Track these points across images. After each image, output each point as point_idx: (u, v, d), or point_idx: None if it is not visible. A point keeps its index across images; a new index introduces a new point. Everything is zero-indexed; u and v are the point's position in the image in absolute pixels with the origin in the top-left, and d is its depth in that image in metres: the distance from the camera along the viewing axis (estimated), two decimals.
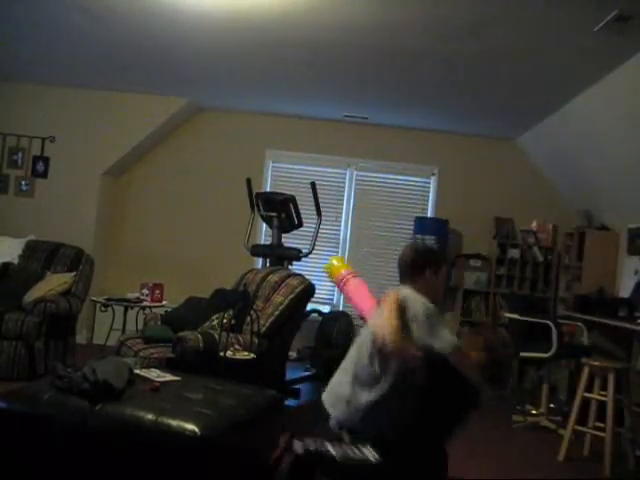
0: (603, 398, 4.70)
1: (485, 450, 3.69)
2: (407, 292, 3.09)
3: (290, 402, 5.48)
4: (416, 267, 3.31)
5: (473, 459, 3.62)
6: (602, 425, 4.70)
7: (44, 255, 6.10)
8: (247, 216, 6.68)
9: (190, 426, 2.86)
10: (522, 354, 5.89)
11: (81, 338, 6.65)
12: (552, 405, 5.97)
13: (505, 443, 4.66)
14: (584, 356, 5.08)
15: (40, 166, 7.54)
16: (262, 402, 3.62)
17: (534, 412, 5.86)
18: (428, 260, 3.31)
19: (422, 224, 7.64)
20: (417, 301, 2.96)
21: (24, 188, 7.55)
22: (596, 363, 4.79)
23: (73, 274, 5.89)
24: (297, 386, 5.81)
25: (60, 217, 7.34)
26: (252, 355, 4.35)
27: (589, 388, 4.82)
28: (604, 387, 4.71)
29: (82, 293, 5.93)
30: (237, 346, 4.40)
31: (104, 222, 7.78)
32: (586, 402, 4.85)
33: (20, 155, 7.54)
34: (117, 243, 7.88)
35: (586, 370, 4.81)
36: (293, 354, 6.47)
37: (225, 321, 4.59)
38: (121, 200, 7.94)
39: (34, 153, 7.53)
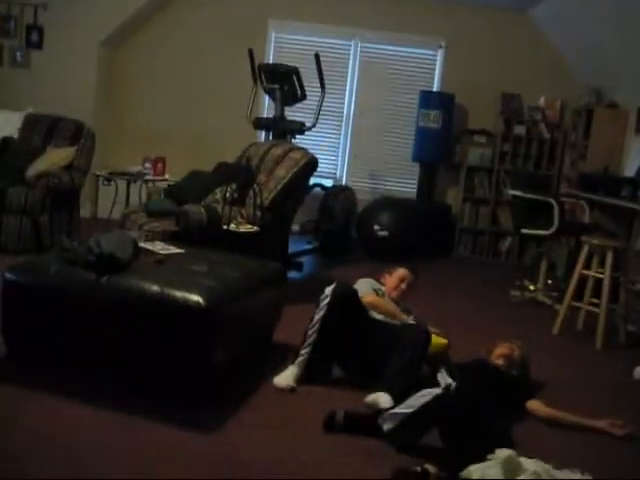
0: (600, 275, 4.79)
1: (482, 323, 3.80)
2: None
3: (293, 275, 5.61)
4: None
5: (471, 332, 3.74)
6: (597, 301, 4.82)
7: (44, 129, 6.03)
8: (250, 88, 6.57)
9: (195, 297, 2.93)
10: (523, 231, 5.96)
11: (85, 212, 6.69)
12: (550, 281, 6.09)
13: (502, 317, 4.80)
14: (584, 234, 5.14)
15: (34, 36, 7.33)
16: (265, 274, 3.70)
17: (532, 288, 5.99)
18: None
19: (427, 98, 7.51)
20: None
21: (19, 59, 7.38)
22: (595, 241, 4.86)
23: (74, 148, 5.86)
24: (299, 259, 5.92)
25: (58, 90, 7.19)
26: (255, 228, 4.40)
27: (587, 265, 4.91)
28: (602, 265, 4.80)
29: (84, 167, 5.91)
30: (240, 219, 4.44)
31: (104, 95, 7.65)
32: (583, 279, 4.95)
33: (12, 24, 7.31)
34: (118, 116, 7.78)
35: (585, 247, 4.88)
36: (296, 228, 6.54)
37: (228, 194, 4.61)
38: (121, 72, 7.77)
39: (27, 22, 7.31)
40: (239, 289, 3.30)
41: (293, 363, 3.36)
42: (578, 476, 2.51)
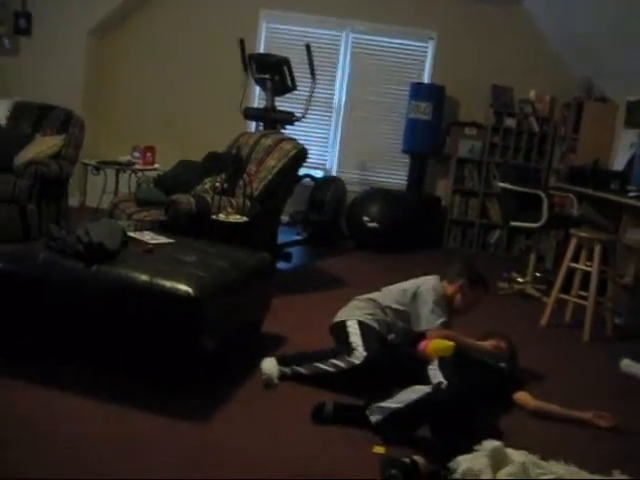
0: (588, 268, 4.82)
1: (470, 314, 3.81)
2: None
3: (282, 265, 5.61)
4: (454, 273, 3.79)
5: (460, 324, 3.75)
6: (585, 294, 4.85)
7: (33, 117, 5.97)
8: (240, 78, 6.55)
9: (184, 287, 2.93)
10: (512, 223, 5.98)
11: (73, 201, 6.65)
12: (538, 274, 6.12)
13: (490, 309, 4.80)
14: (573, 227, 5.16)
15: (22, 23, 7.27)
16: (254, 264, 3.69)
17: (520, 280, 6.02)
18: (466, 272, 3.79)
19: (418, 90, 7.51)
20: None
21: (7, 46, 7.31)
22: (584, 234, 4.88)
23: (63, 136, 5.82)
24: (289, 249, 5.92)
25: (47, 77, 7.15)
26: (244, 218, 4.38)
27: (575, 258, 4.94)
28: (590, 258, 4.83)
29: (73, 156, 5.87)
30: (230, 209, 4.43)
31: (93, 83, 7.60)
32: (571, 272, 4.98)
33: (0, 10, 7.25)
34: (107, 105, 7.74)
35: (574, 240, 4.90)
36: (285, 218, 6.54)
37: (218, 184, 4.60)
38: (110, 61, 7.72)
39: (15, 8, 7.24)
40: (228, 279, 3.29)
41: (287, 365, 3.33)
42: (564, 467, 2.52)
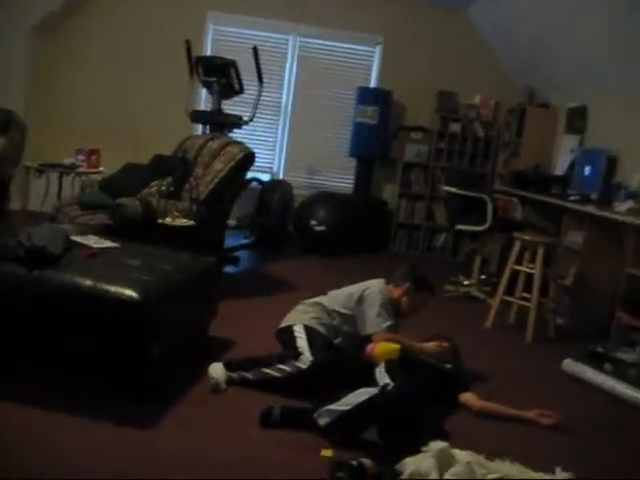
0: (531, 270, 4.92)
1: (416, 317, 3.84)
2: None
3: (229, 269, 5.58)
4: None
5: (406, 327, 3.78)
6: (528, 295, 4.95)
7: None
8: (187, 81, 6.50)
9: (128, 291, 2.89)
10: (458, 226, 6.07)
11: (15, 205, 6.51)
12: (483, 276, 6.21)
13: (437, 311, 4.86)
14: (516, 230, 5.26)
15: None
16: (200, 268, 3.67)
17: (466, 282, 6.11)
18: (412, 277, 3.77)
19: (365, 94, 7.56)
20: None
21: None
22: (527, 237, 4.98)
23: (4, 138, 5.68)
24: (236, 253, 5.89)
25: None
26: (191, 222, 4.35)
27: (519, 260, 5.03)
28: (533, 260, 4.93)
29: (14, 158, 5.75)
30: (176, 213, 4.39)
31: (35, 83, 7.43)
32: (515, 274, 5.07)
33: None
34: (51, 106, 7.56)
35: (517, 243, 5.00)
36: (232, 222, 6.50)
37: (164, 188, 4.55)
38: (53, 60, 7.54)
39: None
40: (174, 283, 3.26)
41: (234, 371, 3.32)
42: (508, 465, 2.56)
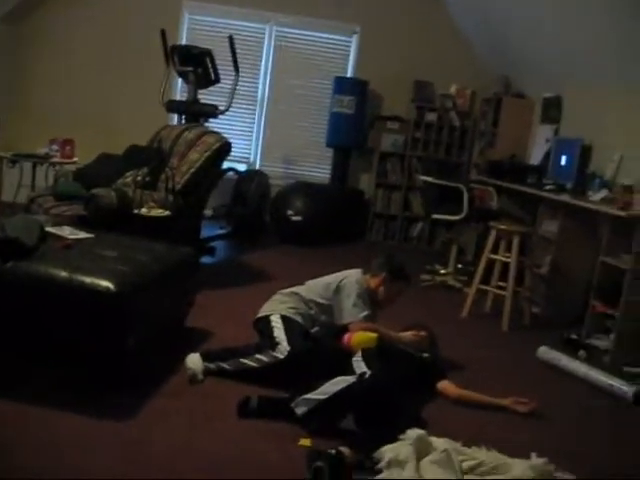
0: (507, 259, 4.96)
1: (393, 307, 3.86)
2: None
3: (206, 259, 5.56)
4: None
5: (382, 316, 3.79)
6: (504, 284, 4.99)
7: None
8: (162, 70, 6.44)
9: (104, 282, 2.87)
10: (434, 216, 6.09)
11: None
12: (459, 265, 6.25)
13: (413, 300, 4.89)
14: (492, 219, 5.29)
15: None
16: (177, 259, 3.65)
17: (442, 272, 6.14)
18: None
19: (341, 84, 7.54)
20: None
21: None
22: (503, 226, 5.01)
23: None
24: (212, 244, 5.87)
25: None
26: (167, 212, 4.33)
27: (495, 250, 5.07)
28: (509, 249, 4.96)
29: None
30: (152, 203, 4.37)
31: (7, 73, 7.32)
32: (491, 263, 5.11)
33: None
34: (24, 96, 7.45)
35: (493, 233, 5.03)
36: (209, 212, 6.48)
37: (139, 178, 4.52)
38: (26, 50, 7.44)
39: None
40: (150, 274, 3.25)
41: (212, 361, 3.32)
42: (485, 452, 2.59)
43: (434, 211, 6.06)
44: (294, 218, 6.91)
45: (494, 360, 4.20)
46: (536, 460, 2.56)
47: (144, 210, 4.26)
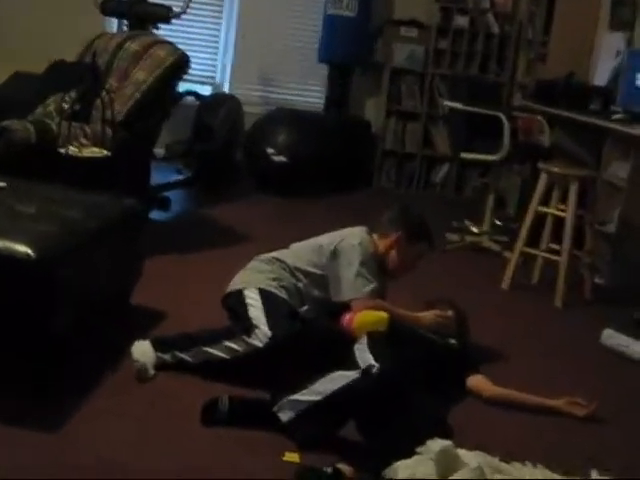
0: (561, 213, 4.96)
1: (409, 277, 3.87)
2: None
3: (157, 215, 5.56)
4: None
5: (396, 290, 3.81)
6: (557, 247, 5.01)
7: None
8: None
9: (22, 247, 2.86)
10: (463, 155, 6.08)
11: None
12: (497, 222, 6.26)
13: (436, 269, 4.91)
14: (542, 159, 5.29)
15: None
16: (118, 214, 3.66)
17: (474, 230, 6.16)
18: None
19: None
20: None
21: None
22: (556, 169, 5.01)
23: None
24: (166, 193, 5.86)
25: None
26: (104, 152, 4.32)
27: (546, 201, 5.07)
28: (564, 199, 4.97)
29: None
30: (83, 140, 4.35)
31: None
32: (540, 218, 5.11)
33: None
34: None
35: (543, 177, 5.02)
36: (161, 151, 6.46)
37: (66, 106, 4.50)
38: None
39: None
40: (82, 235, 3.25)
41: (166, 351, 3.34)
42: (529, 469, 2.62)
43: (464, 149, 6.05)
44: (276, 159, 6.90)
45: (543, 347, 4.24)
46: (597, 478, 2.59)
47: (73, 149, 4.24)
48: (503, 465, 2.61)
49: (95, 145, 4.36)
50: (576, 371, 3.98)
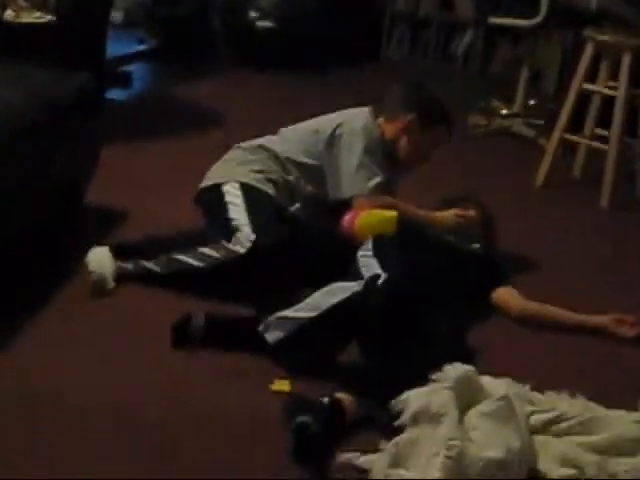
0: (611, 92, 4.93)
1: (426, 167, 3.88)
2: None
3: (115, 93, 5.53)
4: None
5: (410, 183, 3.82)
6: (605, 133, 4.99)
7: None
8: None
9: None
10: (491, 20, 6.02)
11: None
12: (532, 102, 6.24)
13: (458, 158, 4.91)
14: (588, 25, 5.24)
15: None
16: (67, 93, 3.64)
17: (504, 112, 6.13)
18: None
19: None
20: None
21: None
22: (605, 37, 4.96)
23: None
24: (125, 68, 5.84)
25: None
26: (48, 16, 4.29)
27: (591, 76, 5.03)
28: (615, 75, 4.93)
29: None
30: (22, 2, 4.31)
31: None
32: (584, 97, 5.09)
33: None
34: None
35: (589, 47, 4.98)
36: (118, 16, 6.40)
37: None
38: None
39: None
40: (23, 119, 3.23)
41: (128, 259, 3.36)
42: (567, 400, 2.65)
43: (491, 12, 6.00)
44: (261, 24, 6.84)
45: (585, 255, 4.26)
46: None
47: (10, 13, 4.21)
48: (536, 395, 2.64)
49: (37, 8, 4.32)
50: (625, 284, 3.98)
